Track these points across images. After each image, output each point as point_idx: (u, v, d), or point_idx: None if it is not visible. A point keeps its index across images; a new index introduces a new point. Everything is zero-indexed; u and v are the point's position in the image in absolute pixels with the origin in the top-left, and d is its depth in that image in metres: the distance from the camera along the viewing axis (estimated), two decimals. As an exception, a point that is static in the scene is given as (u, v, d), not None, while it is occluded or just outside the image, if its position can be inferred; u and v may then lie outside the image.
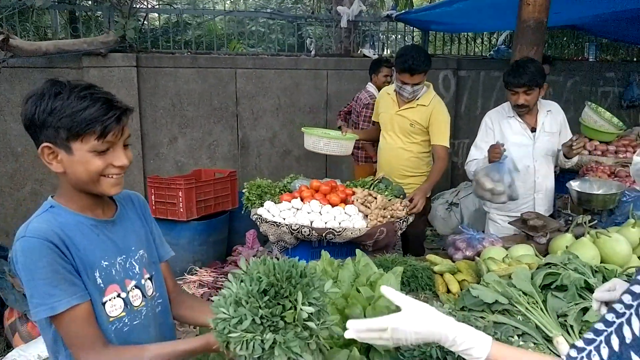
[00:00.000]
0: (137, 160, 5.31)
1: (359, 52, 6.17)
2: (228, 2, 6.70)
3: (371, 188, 3.08)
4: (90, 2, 5.05)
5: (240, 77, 5.64)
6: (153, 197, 4.18)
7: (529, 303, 1.79)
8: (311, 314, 1.12)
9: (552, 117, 3.25)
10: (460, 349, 1.08)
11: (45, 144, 1.28)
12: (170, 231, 4.19)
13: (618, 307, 0.92)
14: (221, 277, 2.09)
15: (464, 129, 6.64)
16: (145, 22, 5.49)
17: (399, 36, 7.00)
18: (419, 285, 2.35)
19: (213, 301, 1.16)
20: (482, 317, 1.78)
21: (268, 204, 2.78)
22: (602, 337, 0.93)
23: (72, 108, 1.25)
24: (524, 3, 3.81)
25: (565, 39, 8.37)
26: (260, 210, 2.77)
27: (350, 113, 5.39)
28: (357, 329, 1.18)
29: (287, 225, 2.56)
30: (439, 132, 3.37)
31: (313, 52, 5.89)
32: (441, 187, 6.30)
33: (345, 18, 5.82)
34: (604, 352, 0.91)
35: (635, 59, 8.48)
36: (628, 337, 0.88)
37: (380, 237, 2.63)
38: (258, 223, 2.69)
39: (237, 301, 1.10)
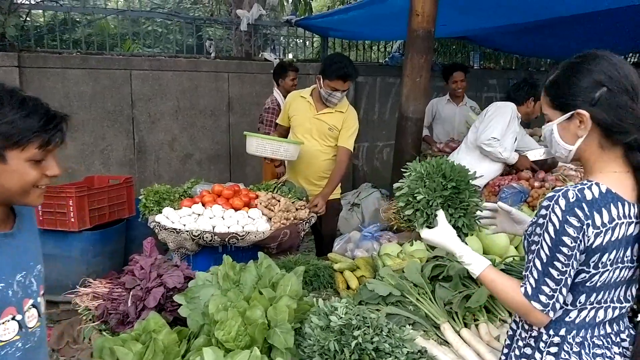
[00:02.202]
0: (20, 167, 4.90)
1: (260, 55, 6.19)
2: (121, 0, 6.40)
3: (275, 191, 3.11)
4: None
5: (136, 78, 5.41)
6: (40, 207, 3.87)
7: (419, 294, 1.93)
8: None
9: None
10: (464, 264, 1.52)
11: None
12: (61, 243, 3.92)
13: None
14: (117, 288, 2.00)
15: (362, 133, 6.88)
16: (28, 20, 5.07)
17: (300, 41, 7.12)
18: (320, 283, 2.43)
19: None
20: (377, 310, 1.88)
21: (167, 210, 2.71)
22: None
23: (13, 115, 1.16)
24: (414, 14, 4.05)
25: (454, 47, 9.03)
26: (158, 217, 2.68)
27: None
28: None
29: (187, 231, 2.52)
30: (347, 136, 3.48)
31: (213, 55, 5.81)
32: (344, 189, 6.50)
33: (245, 21, 5.81)
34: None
35: (514, 67, 9.36)
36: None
37: (284, 239, 2.67)
38: (156, 230, 2.61)
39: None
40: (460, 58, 8.71)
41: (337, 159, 3.48)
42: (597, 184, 1.28)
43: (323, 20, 5.83)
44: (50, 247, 3.93)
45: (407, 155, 4.38)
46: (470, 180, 1.68)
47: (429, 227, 1.61)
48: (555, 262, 1.28)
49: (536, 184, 3.55)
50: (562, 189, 1.29)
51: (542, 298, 1.30)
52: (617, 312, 1.37)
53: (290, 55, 7.35)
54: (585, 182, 1.30)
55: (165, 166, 5.75)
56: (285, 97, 5.10)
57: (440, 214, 1.60)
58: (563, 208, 1.25)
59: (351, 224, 6.11)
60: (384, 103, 6.97)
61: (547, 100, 1.40)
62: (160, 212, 2.74)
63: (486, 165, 3.82)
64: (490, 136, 3.63)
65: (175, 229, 2.55)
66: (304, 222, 2.83)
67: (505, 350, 1.51)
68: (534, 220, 1.36)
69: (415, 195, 1.60)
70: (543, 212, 1.30)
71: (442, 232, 1.58)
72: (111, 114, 5.34)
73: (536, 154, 4.09)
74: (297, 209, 2.89)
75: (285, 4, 8.53)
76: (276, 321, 1.59)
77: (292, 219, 2.76)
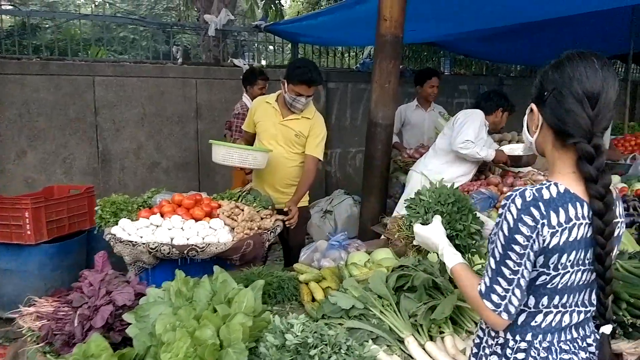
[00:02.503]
0: (-24, 178, 4.69)
1: (229, 61, 6.08)
2: (92, 5, 6.22)
3: (239, 200, 3.01)
4: None
5: (99, 85, 5.25)
6: (-7, 218, 3.69)
7: (383, 305, 1.85)
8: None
9: None
10: (442, 257, 1.57)
11: None
12: (17, 257, 3.74)
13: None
14: (64, 306, 1.87)
15: (335, 139, 6.85)
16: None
17: (270, 47, 7.03)
18: (285, 296, 2.33)
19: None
20: (340, 324, 1.80)
21: (123, 221, 2.58)
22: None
23: None
24: (382, 19, 4.02)
25: (425, 53, 9.09)
26: (114, 229, 2.55)
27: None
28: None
29: (144, 244, 2.39)
30: (315, 144, 3.42)
31: (180, 60, 5.68)
32: (316, 195, 6.42)
33: (213, 26, 5.70)
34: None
35: (484, 73, 9.46)
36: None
37: (247, 250, 2.56)
38: (112, 243, 2.48)
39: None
40: (431, 64, 8.75)
41: (305, 168, 3.41)
42: (556, 184, 1.28)
43: (292, 25, 5.77)
44: (6, 261, 3.75)
45: (377, 161, 4.34)
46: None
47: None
48: (507, 261, 1.27)
49: (505, 189, 3.53)
50: (520, 188, 1.30)
51: (494, 297, 1.30)
52: (582, 316, 1.37)
53: (263, 62, 7.26)
54: (545, 182, 1.30)
55: (131, 175, 5.58)
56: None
57: (437, 217, 1.75)
58: (519, 207, 1.25)
59: (324, 231, 6.02)
60: (356, 109, 6.93)
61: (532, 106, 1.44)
62: (117, 224, 2.61)
63: (454, 170, 3.80)
64: (464, 139, 3.64)
65: (131, 241, 2.42)
66: (269, 232, 2.73)
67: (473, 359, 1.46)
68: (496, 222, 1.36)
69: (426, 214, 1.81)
70: (500, 211, 1.31)
71: (432, 228, 1.70)
72: (73, 121, 5.16)
73: (514, 147, 4.13)
74: (262, 218, 2.80)
75: (256, 9, 8.46)
76: (229, 341, 1.49)
77: (256, 228, 2.66)
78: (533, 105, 1.35)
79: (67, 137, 5.16)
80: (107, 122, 5.35)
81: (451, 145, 3.76)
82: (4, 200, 3.72)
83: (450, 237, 1.74)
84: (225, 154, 3.02)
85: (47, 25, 5.83)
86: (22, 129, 4.93)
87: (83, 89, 5.17)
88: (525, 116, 1.42)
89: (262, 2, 8.23)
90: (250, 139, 3.52)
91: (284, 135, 3.38)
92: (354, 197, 6.03)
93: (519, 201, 1.25)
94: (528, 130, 1.41)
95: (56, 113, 5.06)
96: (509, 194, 1.30)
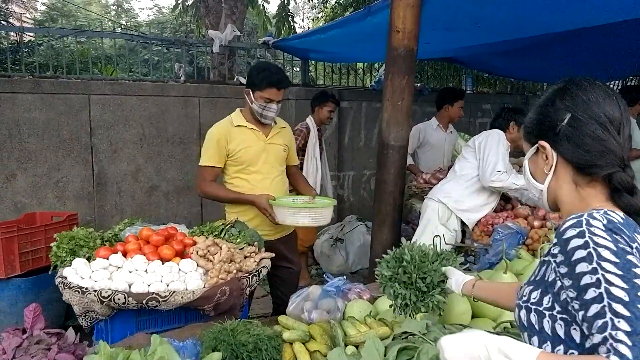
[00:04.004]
0: (-38, 202, 4.40)
1: (235, 79, 5.75)
2: (118, 29, 6.00)
3: (221, 234, 2.58)
4: None
5: (95, 104, 4.95)
6: (-38, 249, 3.34)
7: (378, 392, 1.39)
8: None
9: None
10: None
11: None
12: (-15, 292, 3.38)
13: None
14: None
15: (348, 161, 6.42)
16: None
17: (280, 64, 6.69)
18: None
19: None
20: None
21: (78, 262, 2.18)
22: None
23: None
24: (394, 30, 3.63)
25: (446, 71, 8.65)
26: (66, 271, 2.15)
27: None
28: None
29: (95, 291, 1.98)
30: (294, 153, 3.30)
31: (182, 78, 5.36)
32: (327, 222, 5.98)
33: (218, 42, 5.38)
34: None
35: (509, 91, 8.95)
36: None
37: (221, 299, 2.13)
38: (61, 288, 2.08)
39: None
40: (453, 82, 8.30)
41: (297, 176, 3.32)
42: (611, 210, 1.05)
43: (301, 41, 5.40)
44: (-25, 296, 3.39)
45: (389, 187, 3.89)
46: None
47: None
48: None
49: (536, 223, 3.03)
50: (578, 215, 1.03)
51: None
52: None
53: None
54: (597, 209, 1.04)
55: (128, 199, 5.23)
56: (318, 126, 4.81)
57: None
58: (603, 228, 0.99)
59: (334, 262, 5.57)
60: (371, 129, 6.51)
61: (523, 133, 1.26)
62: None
63: (476, 198, 3.33)
64: (494, 170, 3.17)
65: (81, 287, 2.01)
66: (251, 276, 2.29)
67: None
68: (540, 275, 1.11)
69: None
70: (577, 242, 0.99)
71: (469, 338, 1.03)
72: (67, 142, 4.86)
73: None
74: (245, 257, 2.36)
75: (269, 26, 8.17)
76: None
77: (234, 272, 2.22)
78: (543, 143, 1.15)
79: (60, 159, 4.85)
80: (103, 143, 5.04)
81: (482, 182, 3.29)
82: (-26, 229, 3.37)
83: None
84: (291, 215, 2.68)
85: (41, 42, 5.59)
86: (12, 151, 4.65)
87: (78, 108, 4.87)
88: (526, 161, 1.22)
89: (275, 19, 7.95)
90: (214, 177, 3.02)
91: (274, 155, 3.00)
92: (368, 224, 5.58)
93: (597, 223, 0.99)
94: (534, 178, 1.20)
95: (49, 133, 4.77)
96: (568, 224, 1.02)
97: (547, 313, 1.05)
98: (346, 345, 1.88)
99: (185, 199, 5.51)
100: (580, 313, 0.95)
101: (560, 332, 1.02)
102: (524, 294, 1.13)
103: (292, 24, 7.84)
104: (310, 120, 4.82)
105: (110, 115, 5.02)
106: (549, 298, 1.05)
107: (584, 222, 1.00)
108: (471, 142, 3.52)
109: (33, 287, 3.47)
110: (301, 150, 4.65)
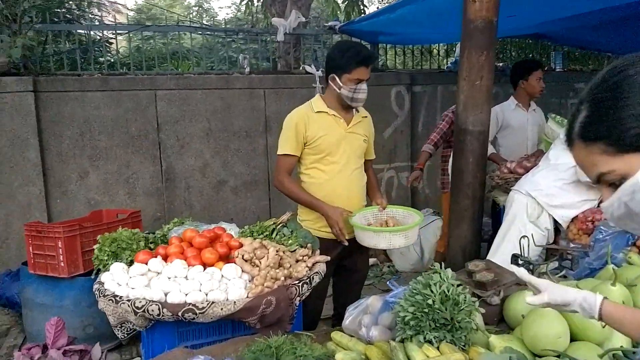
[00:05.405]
0: (39, 200, 4.54)
1: (301, 68, 5.51)
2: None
3: (273, 235, 2.33)
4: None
5: (161, 99, 4.92)
6: (31, 248, 3.38)
7: None
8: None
9: None
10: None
11: None
12: (52, 291, 3.40)
13: None
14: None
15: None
16: (45, 42, 4.76)
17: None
18: (312, 385, 1.61)
19: None
20: None
21: (116, 267, 2.01)
22: None
23: None
24: (470, 1, 3.19)
25: (532, 49, 7.89)
26: (104, 277, 2.00)
27: (442, 138, 4.77)
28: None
29: (128, 301, 1.80)
30: (371, 146, 2.99)
31: (247, 69, 5.20)
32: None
33: (282, 30, 5.16)
34: None
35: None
36: None
37: (267, 311, 1.87)
38: (97, 296, 1.93)
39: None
40: (539, 59, 7.54)
41: (368, 173, 2.97)
42: None
43: (368, 22, 5.04)
44: (42, 294, 3.44)
45: (468, 177, 3.46)
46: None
47: None
48: None
49: (650, 219, 2.48)
50: None
51: None
52: None
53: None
54: None
55: (197, 195, 5.18)
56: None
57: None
58: None
59: (409, 260, 5.19)
60: (447, 115, 6.00)
61: (597, 147, 0.92)
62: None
63: (574, 193, 2.81)
64: None
65: (115, 296, 1.84)
66: (301, 283, 2.01)
67: None
68: None
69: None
70: None
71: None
72: (135, 138, 4.88)
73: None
74: (296, 261, 2.08)
75: (338, 12, 7.85)
76: None
77: (282, 278, 1.95)
78: None
79: (129, 156, 4.88)
80: (170, 138, 5.01)
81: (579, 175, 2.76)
82: (40, 228, 3.40)
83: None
84: (374, 238, 2.43)
85: (110, 41, 5.67)
86: (84, 148, 4.73)
87: (145, 104, 4.87)
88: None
89: (344, 3, 7.61)
90: (291, 167, 2.80)
91: (353, 146, 2.72)
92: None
93: None
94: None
95: (118, 130, 4.81)
96: None
97: None
98: (410, 373, 1.55)
99: (253, 193, 5.37)
100: None
101: None
102: None
103: (362, 8, 7.46)
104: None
105: (176, 110, 4.98)
106: None
107: None
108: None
109: (97, 285, 3.44)
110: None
